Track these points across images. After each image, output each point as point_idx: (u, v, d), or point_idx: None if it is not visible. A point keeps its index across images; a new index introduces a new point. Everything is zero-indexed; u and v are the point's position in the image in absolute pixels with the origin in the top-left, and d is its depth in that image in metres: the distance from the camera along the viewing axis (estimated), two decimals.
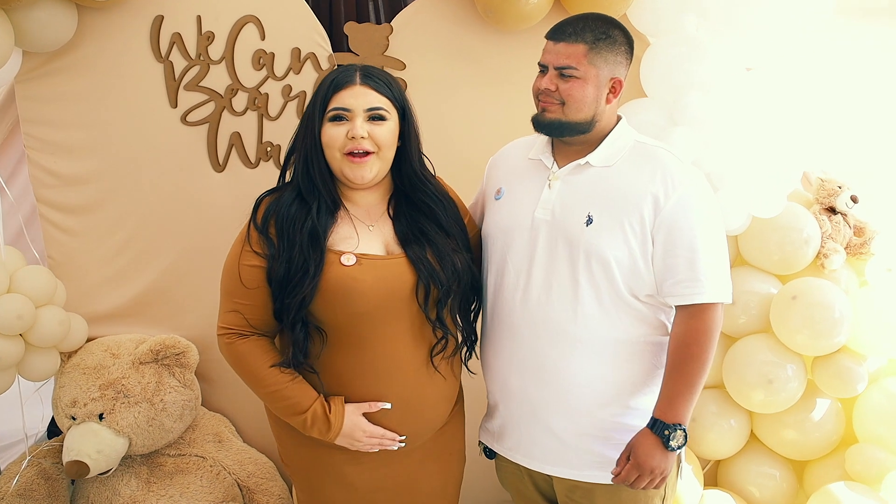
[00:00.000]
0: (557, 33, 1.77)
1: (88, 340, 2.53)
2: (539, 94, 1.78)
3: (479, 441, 2.03)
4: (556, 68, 1.74)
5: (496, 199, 1.92)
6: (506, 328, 1.85)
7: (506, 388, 1.88)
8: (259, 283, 1.72)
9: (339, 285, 1.69)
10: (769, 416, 2.54)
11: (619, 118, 1.85)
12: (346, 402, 1.77)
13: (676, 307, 1.77)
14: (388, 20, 2.55)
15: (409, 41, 2.51)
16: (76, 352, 2.48)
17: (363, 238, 1.76)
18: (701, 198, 1.75)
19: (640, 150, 1.80)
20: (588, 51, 1.73)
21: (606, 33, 1.75)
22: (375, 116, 1.73)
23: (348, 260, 1.71)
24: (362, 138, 1.71)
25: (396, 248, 1.79)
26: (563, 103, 1.75)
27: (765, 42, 2.34)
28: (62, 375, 2.45)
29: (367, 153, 1.72)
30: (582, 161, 1.80)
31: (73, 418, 2.39)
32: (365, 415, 1.77)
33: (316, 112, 1.74)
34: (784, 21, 2.28)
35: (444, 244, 1.81)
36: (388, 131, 1.75)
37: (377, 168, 1.76)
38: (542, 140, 1.89)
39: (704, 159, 2.34)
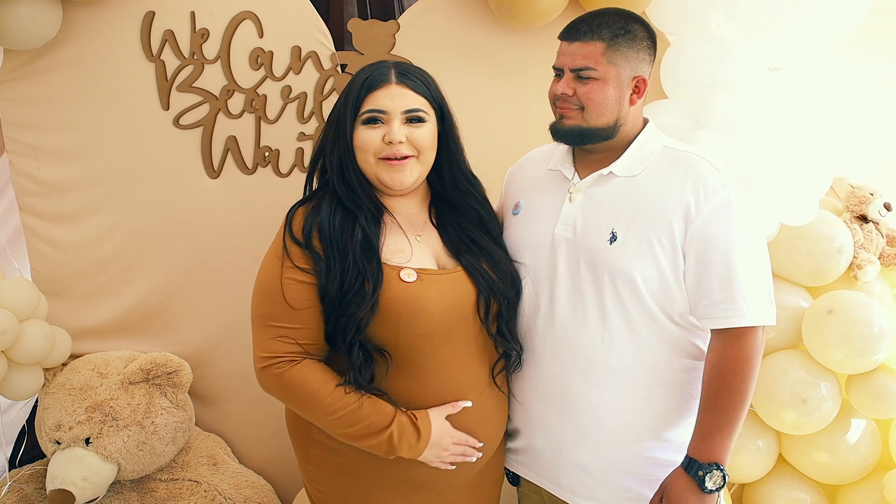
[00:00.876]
0: (571, 32, 1.64)
1: (74, 357, 2.40)
2: (556, 100, 1.66)
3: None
4: (573, 70, 1.61)
5: (514, 215, 1.80)
6: (527, 353, 1.72)
7: (528, 417, 1.74)
8: (310, 301, 1.56)
9: (401, 304, 1.55)
10: (799, 437, 2.41)
11: (645, 121, 1.72)
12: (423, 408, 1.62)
13: (712, 330, 1.62)
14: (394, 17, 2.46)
15: (416, 39, 2.40)
16: (61, 370, 2.35)
17: (415, 250, 1.63)
18: (738, 207, 1.59)
19: (669, 157, 1.66)
20: (606, 49, 1.60)
21: (625, 28, 1.61)
22: (414, 118, 1.61)
23: (409, 276, 1.57)
24: (400, 143, 1.58)
25: (448, 261, 1.67)
26: (582, 108, 1.62)
27: (796, 40, 2.22)
28: (46, 396, 2.31)
29: (405, 157, 1.60)
30: (605, 171, 1.66)
31: (58, 443, 2.26)
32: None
33: (348, 114, 1.61)
34: (817, 18, 2.15)
35: (496, 252, 1.70)
36: (428, 133, 1.63)
37: (417, 172, 1.63)
38: (563, 149, 1.77)
39: (731, 164, 2.20)
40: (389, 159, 1.59)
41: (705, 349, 1.67)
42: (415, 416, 1.59)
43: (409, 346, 1.58)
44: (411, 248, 1.62)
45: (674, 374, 1.65)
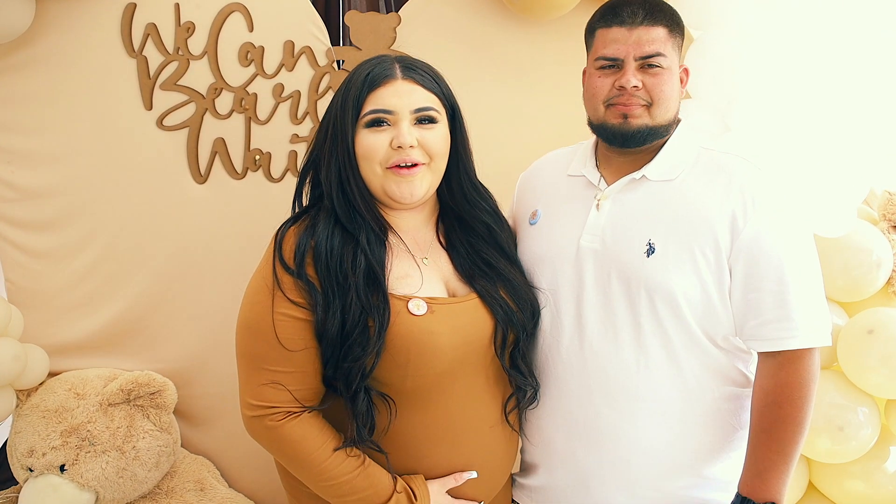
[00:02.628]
0: (626, 16, 1.46)
1: (53, 375, 2.26)
2: (615, 97, 1.46)
3: (513, 500, 1.71)
4: (640, 58, 1.44)
5: (531, 224, 1.62)
6: (549, 380, 1.54)
7: (549, 450, 1.57)
8: (306, 342, 1.36)
9: (410, 341, 1.36)
10: (832, 464, 2.24)
11: (678, 121, 1.56)
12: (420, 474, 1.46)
13: (760, 354, 1.46)
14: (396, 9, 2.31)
15: (419, 33, 2.27)
16: (35, 390, 2.20)
17: (424, 276, 1.44)
18: (790, 215, 1.44)
19: (708, 159, 1.51)
20: (669, 34, 1.46)
21: (673, 15, 1.48)
22: (425, 119, 1.41)
23: (418, 308, 1.38)
24: (411, 147, 1.38)
25: (460, 286, 1.48)
26: (650, 104, 1.45)
27: (836, 37, 2.05)
28: (19, 419, 2.17)
29: (415, 164, 1.40)
30: (637, 175, 1.50)
31: (31, 470, 2.11)
32: None
33: (348, 116, 1.40)
34: (861, 13, 1.98)
35: (514, 276, 1.51)
36: (441, 136, 1.43)
37: (428, 182, 1.43)
38: (584, 152, 1.61)
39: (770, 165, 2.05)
40: (399, 167, 1.40)
41: (750, 375, 1.51)
42: (413, 491, 1.42)
43: (418, 387, 1.40)
44: (420, 274, 1.43)
45: (716, 403, 1.49)
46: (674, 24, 1.47)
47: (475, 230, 1.52)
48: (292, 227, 1.43)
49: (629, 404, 1.47)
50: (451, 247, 1.51)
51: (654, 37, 1.43)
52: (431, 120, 1.42)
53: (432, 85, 1.44)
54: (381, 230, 1.43)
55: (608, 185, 1.53)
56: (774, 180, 1.46)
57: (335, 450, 1.38)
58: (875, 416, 2.18)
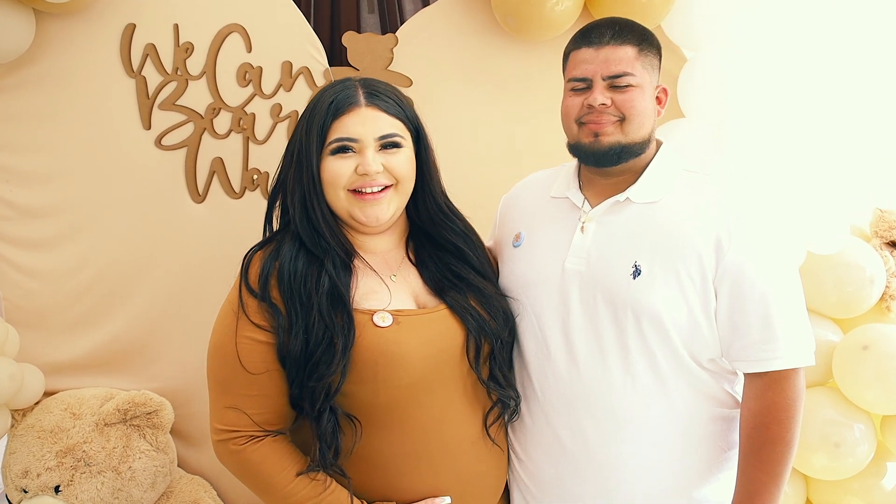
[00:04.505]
0: (594, 37, 1.47)
1: (49, 394, 2.24)
2: (586, 115, 1.47)
3: None
4: (607, 77, 1.45)
5: (514, 247, 1.61)
6: (535, 406, 1.53)
7: (536, 478, 1.55)
8: (268, 364, 1.36)
9: (376, 354, 1.36)
10: (830, 481, 2.23)
11: (659, 143, 1.56)
12: (394, 501, 1.43)
13: (747, 375, 1.46)
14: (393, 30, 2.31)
15: (416, 54, 2.27)
16: (31, 410, 2.19)
17: (392, 291, 1.44)
18: (773, 237, 1.46)
19: (691, 182, 1.51)
20: (638, 53, 1.46)
21: (646, 34, 1.50)
22: (389, 144, 1.42)
23: (383, 320, 1.38)
24: (377, 173, 1.40)
25: (430, 299, 1.47)
26: (622, 120, 1.45)
27: (827, 56, 2.08)
28: (14, 439, 2.15)
29: (384, 188, 1.42)
30: (621, 197, 1.50)
31: (25, 491, 2.09)
32: None
33: (313, 143, 1.41)
34: (851, 32, 2.01)
35: (485, 286, 1.51)
36: (406, 160, 1.44)
37: (395, 204, 1.45)
38: (567, 173, 1.61)
39: (755, 187, 2.06)
40: (363, 193, 1.41)
41: (737, 395, 1.51)
42: None
43: (391, 400, 1.39)
44: (388, 290, 1.43)
45: (704, 424, 1.48)
46: (644, 42, 1.48)
47: (444, 247, 1.52)
48: (258, 252, 1.44)
49: (617, 428, 1.45)
50: (420, 263, 1.51)
51: (622, 56, 1.44)
52: (396, 145, 1.43)
53: (396, 110, 1.45)
54: (347, 254, 1.43)
55: (592, 208, 1.52)
56: (757, 203, 1.47)
57: (298, 474, 1.37)
58: (871, 432, 2.18)
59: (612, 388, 1.45)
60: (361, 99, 1.42)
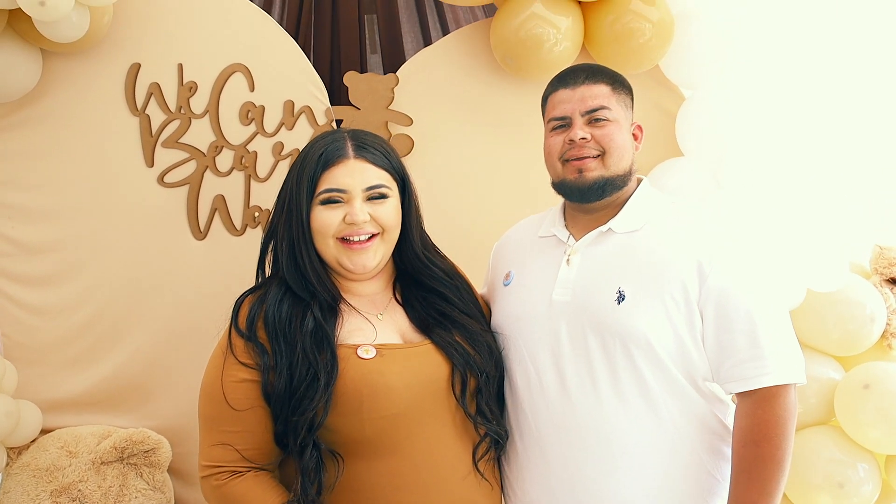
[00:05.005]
0: (569, 79, 1.57)
1: (46, 432, 2.22)
2: (568, 152, 1.52)
3: None
4: (585, 113, 1.51)
5: (505, 286, 1.65)
6: (528, 439, 1.53)
7: None
8: (253, 401, 1.41)
9: (362, 384, 1.40)
10: None
11: (639, 179, 1.62)
12: None
13: (739, 396, 1.47)
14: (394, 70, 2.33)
15: (416, 93, 2.30)
16: (27, 448, 2.17)
17: (377, 328, 1.48)
18: (751, 259, 1.50)
19: (670, 212, 1.56)
20: (612, 91, 1.54)
21: (616, 76, 1.58)
22: (376, 195, 1.48)
23: (366, 352, 1.42)
24: (364, 222, 1.45)
25: (415, 336, 1.51)
26: (602, 154, 1.51)
27: (823, 95, 2.10)
28: (8, 478, 2.13)
29: (371, 236, 1.47)
30: (604, 228, 1.54)
31: None
32: None
33: (303, 192, 1.47)
34: (845, 71, 2.04)
35: (469, 323, 1.55)
36: (392, 210, 1.50)
37: (381, 252, 1.50)
38: (553, 214, 1.66)
39: (755, 225, 2.07)
40: (350, 241, 1.47)
41: (730, 425, 1.51)
42: None
43: (378, 432, 1.41)
44: (374, 327, 1.48)
45: (696, 453, 1.48)
46: (616, 83, 1.56)
47: (429, 289, 1.57)
48: (248, 297, 1.51)
49: (612, 458, 1.46)
50: (406, 303, 1.56)
51: (597, 92, 1.52)
52: (383, 196, 1.49)
53: (383, 161, 1.51)
54: (333, 298, 1.48)
55: (577, 241, 1.56)
56: (732, 228, 1.53)
57: None
58: (875, 472, 2.15)
59: (604, 416, 1.45)
60: (350, 151, 1.48)
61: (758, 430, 1.43)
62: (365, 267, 1.48)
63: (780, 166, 2.09)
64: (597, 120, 1.51)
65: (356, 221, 1.44)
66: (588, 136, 1.50)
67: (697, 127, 2.18)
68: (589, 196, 1.53)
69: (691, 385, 1.47)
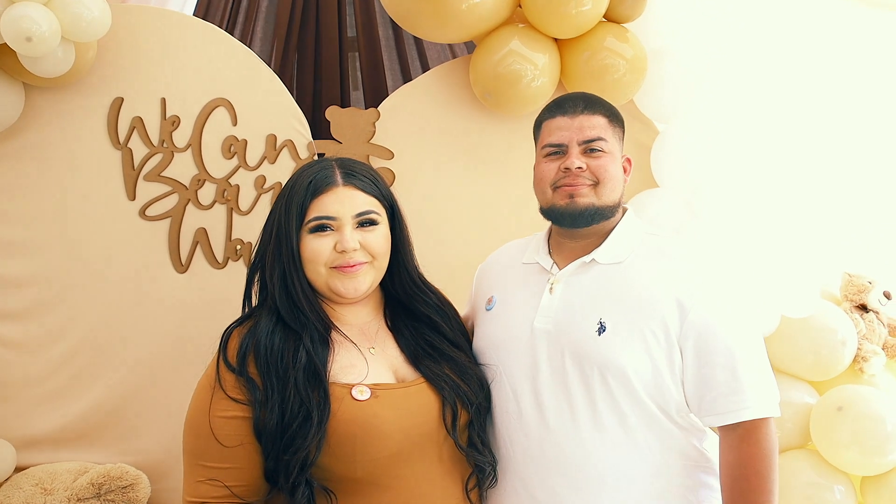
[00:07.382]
0: (570, 107, 1.56)
1: (20, 470, 2.17)
2: (562, 179, 1.53)
3: None
4: (582, 142, 1.52)
5: (487, 310, 1.65)
6: (509, 466, 1.53)
7: None
8: (243, 438, 1.36)
9: (356, 427, 1.36)
10: None
11: (624, 209, 1.63)
12: None
13: (720, 430, 1.48)
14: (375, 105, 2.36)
15: (397, 127, 2.34)
16: (0, 486, 2.11)
17: (370, 364, 1.46)
18: (732, 294, 1.51)
19: (654, 245, 1.56)
20: (608, 123, 1.55)
21: (611, 108, 1.59)
22: (366, 222, 1.47)
23: (361, 393, 1.39)
24: (354, 250, 1.44)
25: (408, 371, 1.49)
26: (595, 184, 1.51)
27: (794, 127, 2.18)
28: None
29: (359, 263, 1.46)
30: (587, 258, 1.55)
31: None
32: None
33: (292, 221, 1.45)
34: (819, 103, 2.12)
35: (458, 356, 1.54)
36: (382, 236, 1.49)
37: (371, 278, 1.48)
38: (538, 241, 1.66)
39: (729, 254, 2.12)
40: (342, 267, 1.45)
41: (706, 452, 1.53)
42: None
43: (369, 472, 1.39)
44: (366, 363, 1.46)
45: (673, 480, 1.49)
46: (612, 115, 1.57)
47: (418, 317, 1.56)
48: (237, 329, 1.46)
49: (588, 485, 1.46)
50: (396, 329, 1.54)
51: (595, 123, 1.52)
52: (372, 222, 1.47)
53: (372, 188, 1.49)
54: (325, 328, 1.46)
55: (560, 270, 1.57)
56: (716, 264, 1.53)
57: None
58: (851, 493, 2.19)
59: (582, 445, 1.46)
60: (339, 178, 1.47)
61: (746, 465, 1.44)
62: (356, 290, 1.46)
63: (752, 196, 2.15)
64: (592, 150, 1.51)
65: (346, 249, 1.43)
66: (584, 166, 1.51)
67: (672, 159, 2.23)
68: (578, 221, 1.53)
69: (666, 417, 1.48)
